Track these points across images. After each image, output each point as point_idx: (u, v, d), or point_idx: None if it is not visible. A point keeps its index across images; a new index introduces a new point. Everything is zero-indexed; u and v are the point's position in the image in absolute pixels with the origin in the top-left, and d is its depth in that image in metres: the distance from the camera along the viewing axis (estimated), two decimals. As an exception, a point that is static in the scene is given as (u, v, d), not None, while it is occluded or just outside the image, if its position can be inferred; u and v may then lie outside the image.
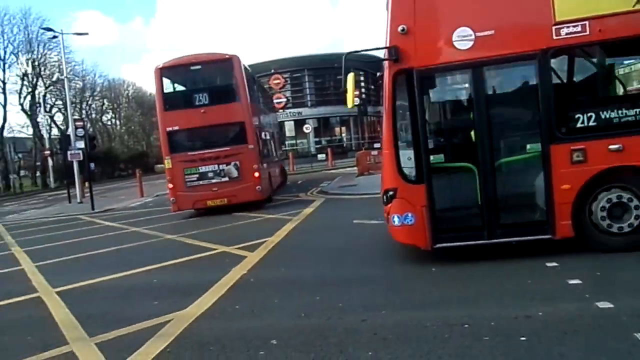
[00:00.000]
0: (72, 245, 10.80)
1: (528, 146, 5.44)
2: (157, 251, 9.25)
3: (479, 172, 5.42)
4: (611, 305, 4.10)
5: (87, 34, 31.57)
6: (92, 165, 21.94)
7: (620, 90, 6.19)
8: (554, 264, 5.30)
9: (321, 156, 31.92)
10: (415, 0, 5.48)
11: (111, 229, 12.91)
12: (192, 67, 12.94)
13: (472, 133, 5.51)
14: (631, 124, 5.19)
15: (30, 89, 45.20)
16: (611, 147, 5.16)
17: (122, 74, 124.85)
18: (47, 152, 38.95)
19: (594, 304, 4.17)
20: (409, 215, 5.61)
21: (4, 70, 43.35)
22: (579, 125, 5.30)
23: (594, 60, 5.66)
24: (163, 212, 14.39)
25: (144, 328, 4.77)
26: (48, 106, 46.24)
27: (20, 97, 45.14)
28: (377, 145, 22.68)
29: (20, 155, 48.18)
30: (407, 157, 5.57)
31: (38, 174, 47.20)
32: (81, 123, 20.28)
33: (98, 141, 33.18)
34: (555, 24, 5.20)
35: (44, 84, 45.35)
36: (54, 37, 28.95)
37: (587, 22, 5.13)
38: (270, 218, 11.24)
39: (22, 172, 49.30)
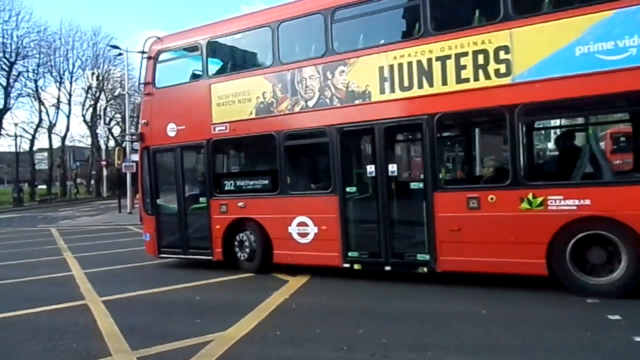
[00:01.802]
0: (120, 255, 11.13)
1: (202, 199, 8.49)
2: (200, 268, 9.40)
3: (180, 212, 8.72)
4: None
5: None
6: (144, 177, 22.73)
7: (249, 168, 9.07)
8: (617, 317, 4.95)
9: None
10: (151, 105, 8.93)
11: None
12: None
13: (177, 188, 8.77)
14: (250, 190, 8.00)
15: (92, 102, 48.11)
16: (239, 204, 8.01)
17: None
18: (103, 163, 40.95)
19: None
20: (147, 234, 9.22)
21: (71, 83, 46.32)
22: (225, 188, 8.26)
23: (230, 150, 8.99)
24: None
25: (186, 346, 4.78)
26: (107, 119, 48.92)
27: (83, 109, 48.08)
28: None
29: (78, 163, 50.91)
30: (148, 199, 9.13)
31: (92, 182, 49.77)
32: (136, 137, 20.97)
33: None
34: (213, 124, 8.13)
35: (106, 97, 48.16)
36: (119, 54, 30.85)
37: (227, 124, 8.02)
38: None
39: (78, 180, 52.02)
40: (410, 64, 6.49)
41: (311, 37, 7.45)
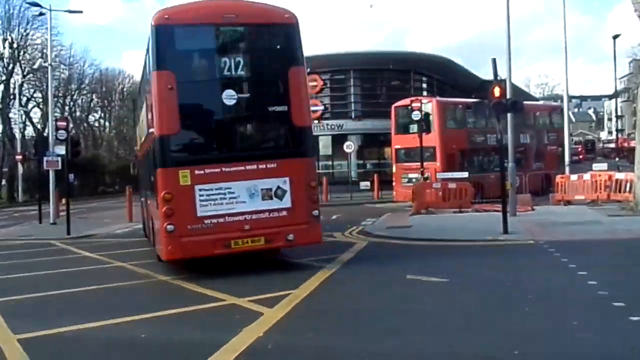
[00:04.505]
0: (39, 279, 11.04)
1: None
2: (147, 296, 9.32)
3: None
4: None
5: (81, 12, 33.03)
6: (72, 176, 22.52)
7: None
8: None
9: (364, 184, 31.83)
10: None
11: (90, 261, 13.15)
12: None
13: None
14: None
15: (4, 77, 47.18)
16: None
17: (122, 63, 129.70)
18: (19, 157, 40.29)
19: None
20: None
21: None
22: None
23: None
24: (157, 245, 14.56)
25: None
26: (24, 99, 48.21)
27: (-11, 86, 46.98)
28: (447, 175, 22.52)
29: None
30: None
31: (4, 183, 48.46)
32: (64, 123, 20.70)
33: (82, 146, 34.13)
34: None
35: (22, 70, 47.33)
36: (41, 14, 30.25)
37: None
38: (293, 264, 11.21)
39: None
40: None
41: None
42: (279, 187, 10.14)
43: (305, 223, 10.26)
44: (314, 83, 37.46)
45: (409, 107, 25.55)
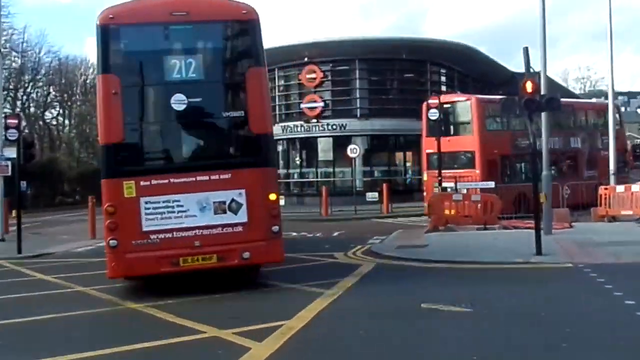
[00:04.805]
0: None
1: None
2: (113, 327, 9.32)
3: None
4: None
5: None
6: (24, 184, 22.46)
7: None
8: None
9: (371, 196, 31.88)
10: None
11: (45, 285, 13.13)
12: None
13: None
14: None
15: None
16: None
17: (85, 49, 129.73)
18: (-40, 161, 40.32)
19: None
20: None
21: None
22: None
23: None
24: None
25: None
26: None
27: None
28: (467, 185, 22.56)
29: None
30: None
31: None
32: (15, 121, 20.70)
33: (36, 149, 33.97)
34: None
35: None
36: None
37: None
38: (287, 289, 11.23)
39: None
40: None
41: None
42: (233, 200, 10.63)
43: (263, 240, 10.70)
44: (313, 75, 37.56)
45: (443, 105, 25.68)
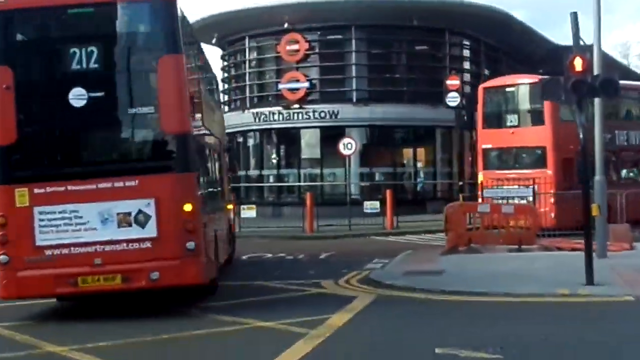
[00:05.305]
0: None
1: None
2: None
3: None
4: None
5: None
6: None
7: None
8: None
9: (371, 205, 31.67)
10: None
11: None
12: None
13: None
14: None
15: None
16: None
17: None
18: None
19: None
20: None
21: None
22: None
23: None
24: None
25: None
26: None
27: None
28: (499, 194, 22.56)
29: None
30: None
31: None
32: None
33: None
34: None
35: None
36: None
37: None
38: (256, 329, 11.17)
39: None
40: None
41: None
42: (140, 212, 11.40)
43: (176, 258, 11.42)
44: (295, 47, 37.32)
45: (505, 90, 25.67)
